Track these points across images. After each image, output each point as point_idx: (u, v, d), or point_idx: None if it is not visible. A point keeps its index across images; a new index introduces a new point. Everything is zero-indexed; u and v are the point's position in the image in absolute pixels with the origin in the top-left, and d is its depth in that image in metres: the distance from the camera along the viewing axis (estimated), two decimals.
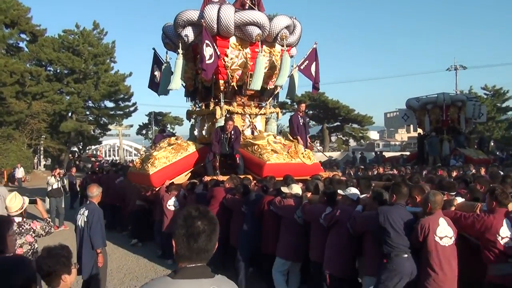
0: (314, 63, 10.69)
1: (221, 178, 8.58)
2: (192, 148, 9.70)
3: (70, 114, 38.86)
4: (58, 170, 13.27)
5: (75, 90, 37.63)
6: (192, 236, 1.96)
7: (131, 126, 45.09)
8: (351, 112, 41.65)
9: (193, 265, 1.98)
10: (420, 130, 20.87)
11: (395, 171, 11.99)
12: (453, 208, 4.77)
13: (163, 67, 10.68)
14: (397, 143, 68.24)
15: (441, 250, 4.30)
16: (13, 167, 26.99)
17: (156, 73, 11.22)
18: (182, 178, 9.42)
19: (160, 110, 53.44)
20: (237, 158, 9.13)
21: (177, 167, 9.38)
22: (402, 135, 75.90)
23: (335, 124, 44.29)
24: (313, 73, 10.68)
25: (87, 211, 5.46)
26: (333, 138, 47.61)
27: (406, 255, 4.49)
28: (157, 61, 11.32)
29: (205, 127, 10.45)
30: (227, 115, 9.77)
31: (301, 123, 10.46)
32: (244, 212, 6.82)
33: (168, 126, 50.06)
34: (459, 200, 5.06)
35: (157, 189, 9.01)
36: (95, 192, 5.64)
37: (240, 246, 6.71)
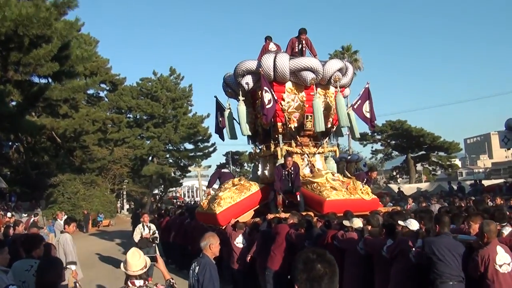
0: (367, 102, 11.08)
1: (283, 215, 8.98)
2: (254, 188, 10.24)
3: (151, 158, 40.56)
4: (146, 216, 11.51)
5: (155, 134, 39.39)
6: (315, 280, 1.96)
7: (209, 166, 45.79)
8: (437, 140, 38.87)
9: None
10: None
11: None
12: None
13: (226, 113, 11.48)
14: (480, 170, 64.44)
15: (502, 278, 4.48)
16: (97, 212, 28.45)
17: (220, 119, 12.07)
18: (247, 217, 9.94)
19: (237, 149, 53.57)
20: (298, 196, 9.56)
21: (241, 206, 9.93)
22: (484, 162, 72.44)
23: (420, 153, 41.54)
24: (365, 112, 11.05)
25: (198, 266, 4.48)
26: (418, 168, 45.03)
27: (451, 283, 4.71)
28: (219, 108, 12.19)
29: (267, 168, 11.01)
30: (286, 153, 10.31)
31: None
32: (306, 246, 7.18)
33: (245, 164, 50.82)
34: (507, 230, 5.18)
35: (223, 228, 9.56)
36: (204, 242, 4.56)
37: None
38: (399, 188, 26.75)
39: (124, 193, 39.73)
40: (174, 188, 53.49)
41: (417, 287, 5.37)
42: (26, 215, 18.92)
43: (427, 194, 21.17)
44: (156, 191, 46.38)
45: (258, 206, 10.23)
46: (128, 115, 40.41)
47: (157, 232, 10.93)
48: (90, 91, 34.86)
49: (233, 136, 11.67)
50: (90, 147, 31.64)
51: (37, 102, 21.81)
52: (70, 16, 18.89)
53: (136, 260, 3.77)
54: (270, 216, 8.97)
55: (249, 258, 8.38)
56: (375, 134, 40.61)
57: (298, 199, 9.55)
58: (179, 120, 40.65)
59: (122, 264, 3.87)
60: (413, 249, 5.29)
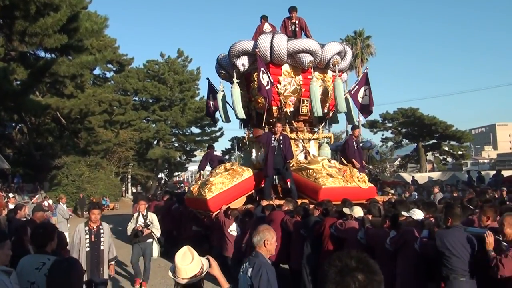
0: (363, 88, 10.78)
1: (277, 202, 8.70)
2: (247, 173, 9.88)
3: (157, 141, 39.89)
4: (142, 203, 8.84)
5: (162, 118, 38.72)
6: None
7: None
8: (449, 128, 37.66)
9: None
10: None
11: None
12: None
13: (220, 96, 11.06)
14: (485, 161, 64.15)
15: None
16: (102, 195, 27.59)
17: (211, 101, 11.67)
18: (238, 203, 9.61)
19: (242, 135, 53.65)
20: (288, 183, 9.24)
21: (233, 192, 9.57)
22: (489, 153, 73.03)
23: (431, 142, 40.45)
24: (359, 98, 10.75)
25: (251, 268, 3.63)
26: (429, 157, 44.00)
27: (463, 278, 4.45)
28: (211, 91, 11.77)
29: (260, 153, 10.65)
30: (275, 120, 9.96)
31: (355, 148, 10.43)
32: (303, 234, 6.88)
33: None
34: None
35: (214, 214, 9.23)
36: (258, 237, 3.74)
37: (302, 269, 6.74)
38: (413, 177, 26.13)
39: (129, 176, 39.10)
40: (179, 173, 52.63)
41: (423, 279, 5.10)
42: (28, 197, 18.16)
43: (443, 183, 20.80)
44: (161, 175, 45.53)
45: (251, 192, 9.90)
46: (134, 98, 39.55)
47: (154, 223, 8.52)
48: (96, 72, 33.97)
49: (227, 119, 11.32)
50: (95, 129, 30.81)
51: (43, 77, 20.26)
52: None
53: (187, 263, 2.81)
54: (264, 202, 8.65)
55: (244, 247, 8.05)
56: (386, 121, 40.13)
57: (289, 186, 9.24)
58: (186, 103, 39.82)
59: (170, 270, 2.95)
60: (419, 239, 5.02)
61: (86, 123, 30.45)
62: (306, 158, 10.42)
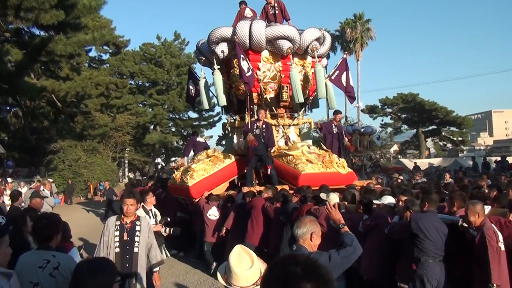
0: (344, 73, 10.88)
1: (258, 188, 8.84)
2: (228, 160, 10.00)
3: (153, 126, 39.31)
4: (151, 197, 7.10)
5: (159, 102, 38.08)
6: None
7: (211, 137, 43.73)
8: (450, 114, 37.31)
9: None
10: None
11: None
12: None
13: (202, 83, 11.00)
14: (481, 147, 64.10)
15: (503, 255, 4.35)
16: (99, 181, 27.23)
17: (191, 87, 11.66)
18: (220, 189, 9.74)
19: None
20: (269, 169, 9.39)
21: (215, 178, 9.70)
22: (485, 139, 73.46)
23: (430, 127, 40.19)
24: (344, 83, 10.85)
25: None
26: (429, 144, 43.69)
27: (433, 261, 4.66)
28: (192, 77, 11.76)
29: (241, 139, 10.76)
30: (258, 106, 10.04)
31: (334, 132, 10.59)
32: (282, 220, 7.05)
33: None
34: (487, 209, 5.00)
35: (196, 200, 9.36)
36: (303, 229, 3.24)
37: (281, 252, 6.92)
38: (415, 163, 26.14)
39: (126, 161, 38.59)
40: (176, 158, 52.47)
41: (389, 261, 5.30)
42: (24, 183, 17.88)
43: (445, 169, 20.95)
44: (158, 160, 45.20)
45: (232, 178, 10.04)
46: (130, 81, 38.69)
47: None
48: (92, 54, 33.11)
49: (210, 106, 11.34)
50: (91, 113, 30.00)
51: (39, 56, 19.21)
52: None
53: (246, 267, 2.33)
54: (245, 189, 8.80)
55: (224, 231, 8.21)
56: (385, 106, 39.74)
57: (269, 172, 9.40)
58: (183, 87, 38.18)
59: (220, 273, 2.46)
60: (389, 225, 5.23)
61: (82, 107, 29.59)
62: (286, 144, 10.55)
